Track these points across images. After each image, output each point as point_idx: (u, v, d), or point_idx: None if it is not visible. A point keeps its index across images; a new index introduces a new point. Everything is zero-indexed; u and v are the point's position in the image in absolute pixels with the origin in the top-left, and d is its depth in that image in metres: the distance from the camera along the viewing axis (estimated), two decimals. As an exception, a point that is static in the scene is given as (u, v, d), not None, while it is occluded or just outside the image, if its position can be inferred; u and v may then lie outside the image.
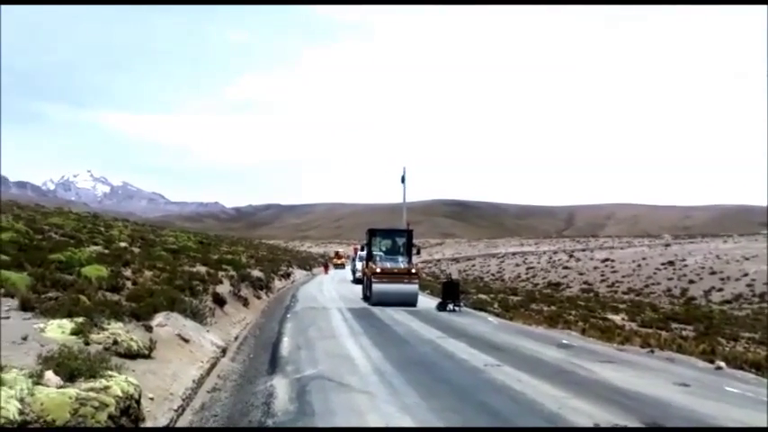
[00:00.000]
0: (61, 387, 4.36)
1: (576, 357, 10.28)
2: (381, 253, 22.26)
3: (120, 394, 4.49)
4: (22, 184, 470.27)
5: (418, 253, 24.73)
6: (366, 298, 21.44)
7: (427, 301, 22.45)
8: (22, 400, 3.95)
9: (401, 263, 21.17)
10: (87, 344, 6.42)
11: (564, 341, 12.79)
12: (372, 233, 23.23)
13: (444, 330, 13.46)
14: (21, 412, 3.84)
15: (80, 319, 7.04)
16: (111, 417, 4.24)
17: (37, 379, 4.36)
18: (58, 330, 6.70)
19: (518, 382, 7.80)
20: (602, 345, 13.09)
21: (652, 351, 12.17)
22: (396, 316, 16.40)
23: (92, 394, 4.28)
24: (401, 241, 22.82)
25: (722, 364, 10.38)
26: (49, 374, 4.49)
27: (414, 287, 20.56)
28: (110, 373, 4.86)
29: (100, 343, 6.57)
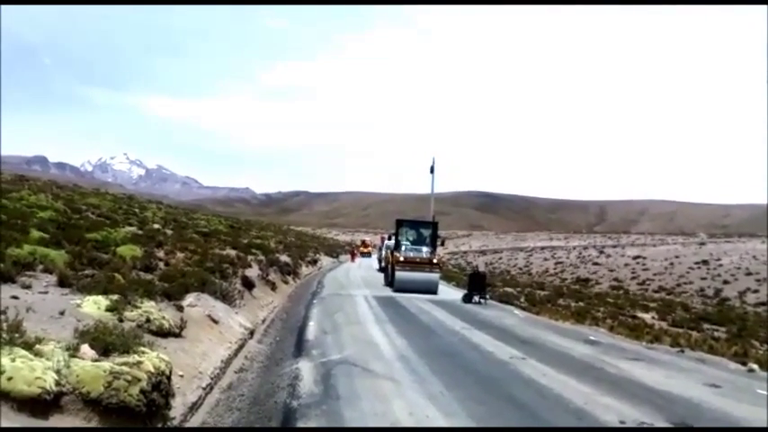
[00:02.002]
0: (96, 360, 4.50)
1: (604, 354, 10.13)
2: (407, 242, 23.11)
3: (152, 370, 4.61)
4: (61, 165, 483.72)
5: (443, 244, 25.61)
6: (389, 284, 22.37)
7: (453, 293, 22.45)
8: (58, 372, 4.09)
9: (424, 253, 22.15)
10: (121, 320, 6.59)
11: (591, 337, 12.61)
12: (400, 223, 24.20)
13: (469, 322, 13.42)
14: (57, 383, 3.98)
15: (115, 297, 7.23)
16: (142, 391, 4.36)
17: (73, 352, 4.51)
18: (93, 306, 6.89)
19: (544, 376, 7.73)
20: (631, 342, 12.88)
21: (682, 351, 11.92)
22: (421, 305, 16.41)
23: (125, 369, 4.41)
24: (426, 232, 23.78)
25: (755, 366, 10.10)
26: (85, 348, 4.64)
27: (435, 276, 21.54)
28: (142, 349, 4.99)
29: (133, 320, 6.74)
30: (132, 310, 7.03)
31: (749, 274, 53.23)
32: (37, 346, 4.35)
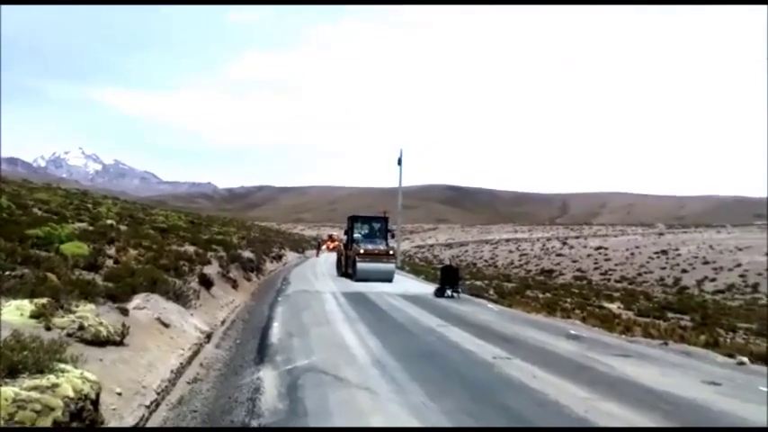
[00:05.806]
0: (-4, 386, 3.53)
1: (590, 350, 9.54)
2: (360, 236, 24.62)
3: (71, 394, 3.67)
4: (12, 161, 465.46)
5: (393, 237, 27.75)
6: (344, 274, 24.07)
7: (422, 287, 21.82)
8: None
9: (380, 245, 23.75)
10: (49, 329, 5.62)
11: (572, 332, 12.06)
12: (354, 219, 25.76)
13: (445, 318, 12.71)
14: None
15: (43, 301, 6.20)
16: (57, 422, 3.43)
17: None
18: (15, 313, 5.85)
19: (534, 378, 7.02)
20: (612, 336, 12.39)
21: (666, 344, 11.47)
22: (392, 302, 15.65)
23: (34, 395, 3.47)
24: (377, 226, 25.55)
25: (744, 359, 9.68)
26: (-17, 369, 3.67)
27: (391, 266, 23.48)
28: (62, 366, 4.03)
29: (63, 328, 5.76)
30: (64, 316, 6.02)
31: (706, 263, 54.54)
32: None
